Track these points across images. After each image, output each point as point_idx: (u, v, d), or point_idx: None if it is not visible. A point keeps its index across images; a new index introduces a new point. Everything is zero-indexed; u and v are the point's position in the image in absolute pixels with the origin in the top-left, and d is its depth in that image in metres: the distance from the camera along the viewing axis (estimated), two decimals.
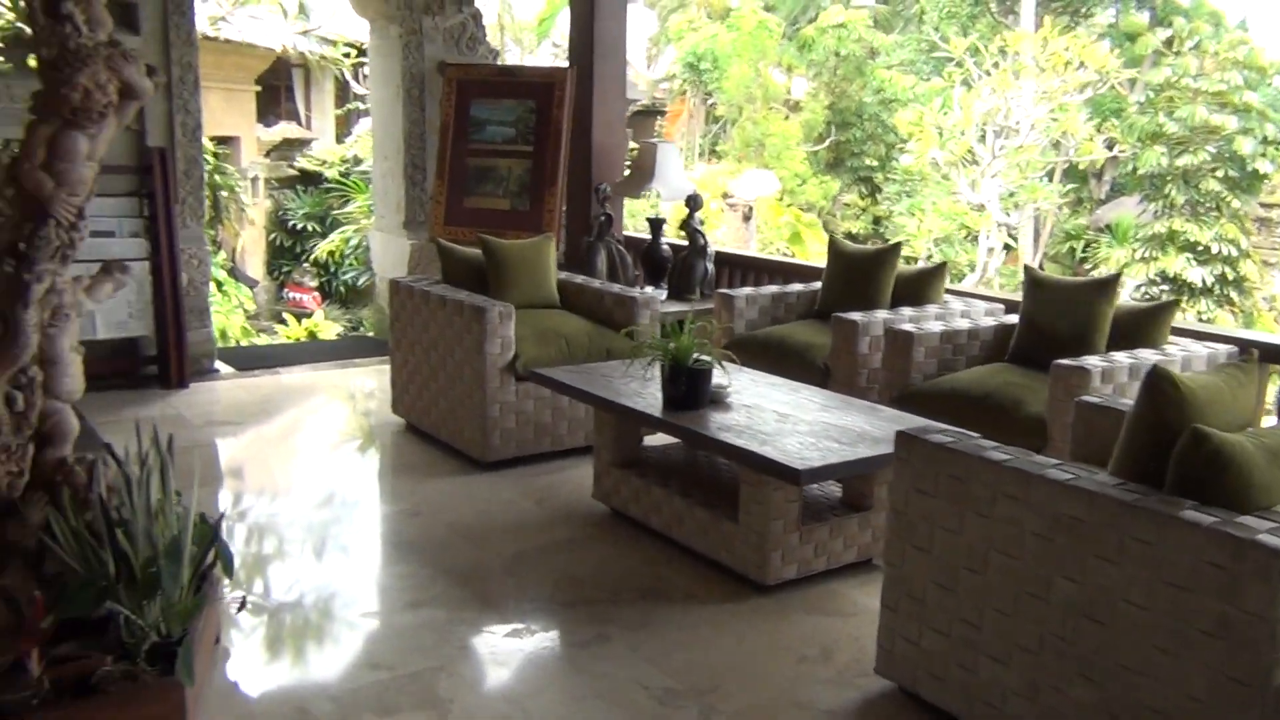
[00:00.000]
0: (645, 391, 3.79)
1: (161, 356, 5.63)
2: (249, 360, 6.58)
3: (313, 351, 7.62)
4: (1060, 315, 4.16)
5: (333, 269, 14.13)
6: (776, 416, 3.58)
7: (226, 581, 2.97)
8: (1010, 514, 2.46)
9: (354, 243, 12.51)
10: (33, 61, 5.29)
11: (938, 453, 2.62)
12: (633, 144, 8.94)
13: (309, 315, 13.06)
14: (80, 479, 2.57)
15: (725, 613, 3.27)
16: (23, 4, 2.32)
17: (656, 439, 4.10)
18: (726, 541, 3.47)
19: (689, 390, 3.62)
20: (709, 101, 18.49)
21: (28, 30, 5.61)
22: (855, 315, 4.51)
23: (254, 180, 14.38)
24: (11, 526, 2.52)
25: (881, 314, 4.61)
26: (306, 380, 6.12)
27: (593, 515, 4.02)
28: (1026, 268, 4.53)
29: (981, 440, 2.67)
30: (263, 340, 11.77)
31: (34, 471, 2.55)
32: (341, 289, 14.25)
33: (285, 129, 15.91)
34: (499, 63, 7.27)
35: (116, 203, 5.42)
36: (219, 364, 6.21)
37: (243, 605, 2.66)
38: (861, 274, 5.00)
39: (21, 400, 2.50)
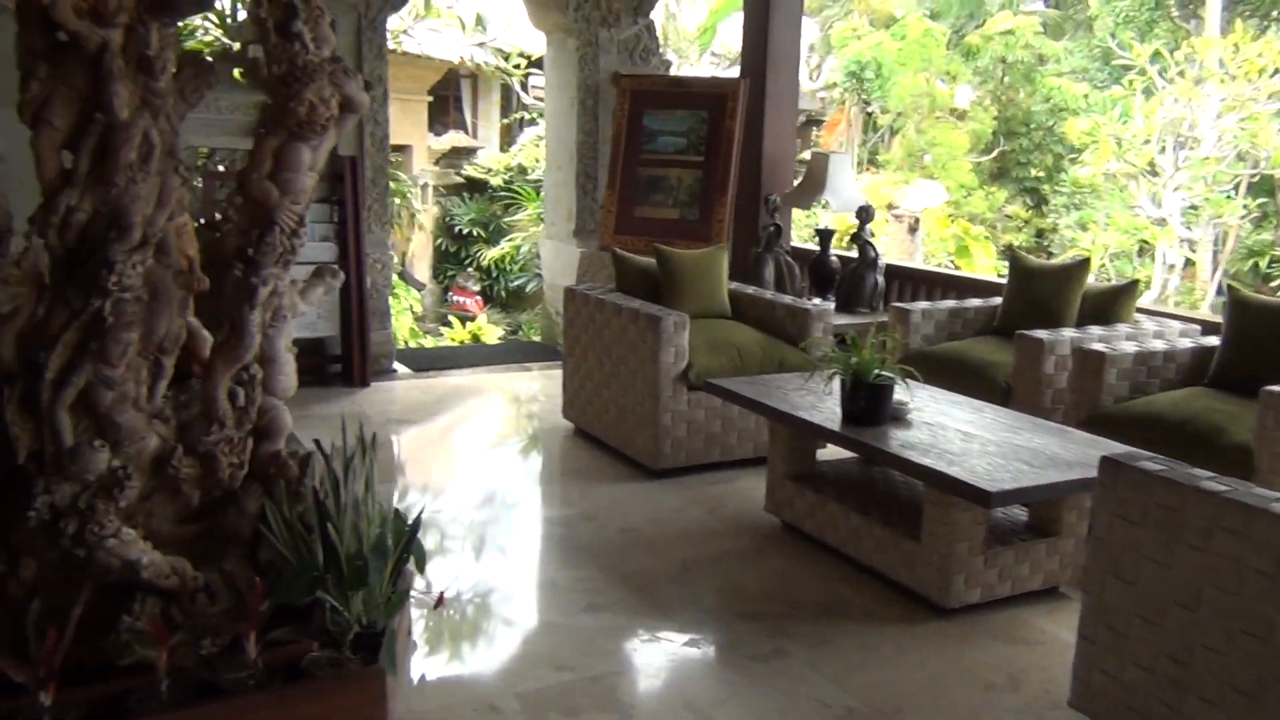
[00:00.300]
0: (822, 405, 3.75)
1: (346, 356, 5.89)
2: (424, 361, 6.82)
3: (482, 354, 7.84)
4: (1269, 338, 3.91)
5: (495, 274, 14.52)
6: (961, 435, 3.49)
7: (419, 577, 3.08)
8: (1228, 548, 2.32)
9: (525, 250, 12.76)
10: (238, 74, 5.65)
11: (1148, 481, 2.50)
12: (802, 154, 8.86)
13: (472, 318, 13.45)
14: (293, 472, 2.71)
15: (906, 634, 3.20)
16: (254, 24, 2.46)
17: (827, 453, 4.06)
18: (906, 561, 3.40)
19: (869, 405, 3.56)
20: (867, 110, 18.20)
21: (234, 47, 5.97)
22: (1041, 333, 4.36)
23: (424, 187, 14.89)
24: (231, 515, 2.67)
25: (1068, 332, 4.44)
26: (477, 382, 6.30)
27: (764, 527, 4.00)
28: (1230, 287, 4.28)
29: (1195, 470, 2.53)
30: (430, 342, 12.18)
31: (251, 464, 2.70)
32: (503, 294, 14.63)
33: (454, 138, 16.43)
34: (671, 74, 7.33)
35: (309, 209, 5.69)
36: (397, 364, 6.45)
37: (440, 601, 2.76)
38: (1046, 290, 4.82)
39: (243, 396, 2.64)
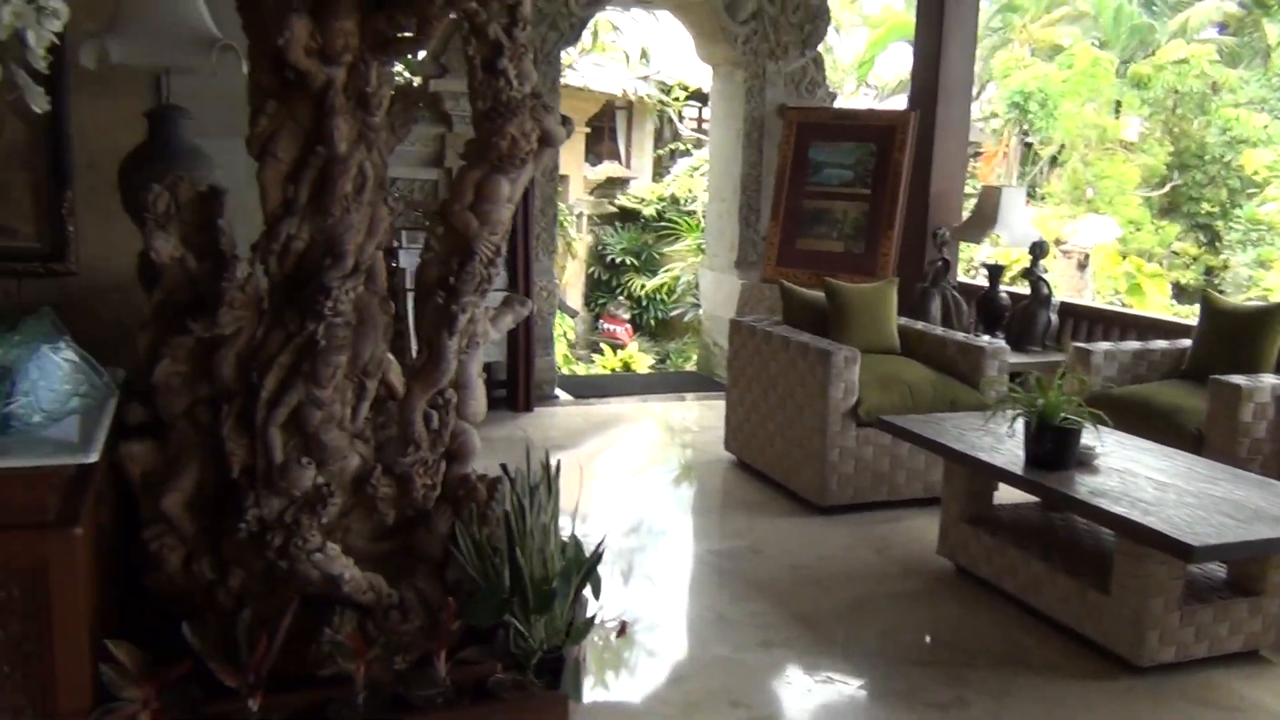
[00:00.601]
0: (1003, 447, 3.63)
1: (511, 381, 6.03)
2: (584, 388, 6.92)
3: (639, 383, 7.91)
4: None
5: (645, 303, 14.66)
6: (1154, 484, 3.32)
7: (595, 604, 3.11)
8: None
9: (684, 280, 12.80)
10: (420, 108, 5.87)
11: None
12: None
13: (622, 347, 13.61)
14: (482, 495, 2.77)
15: (1094, 690, 3.05)
16: (465, 61, 2.56)
17: (1003, 496, 3.92)
18: (1094, 614, 3.24)
19: (1055, 449, 3.43)
20: (1026, 141, 17.68)
21: (414, 81, 6.22)
22: (1238, 379, 4.12)
23: (579, 216, 15.17)
24: (421, 534, 2.75)
25: (1269, 379, 4.18)
26: (635, 410, 6.35)
27: (937, 570, 3.88)
28: None
29: None
30: (582, 369, 12.37)
31: (442, 486, 2.78)
32: (651, 322, 14.75)
33: (609, 168, 16.71)
34: (837, 106, 7.29)
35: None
36: (558, 390, 6.57)
37: (622, 630, 2.78)
38: (1241, 333, 4.56)
39: (437, 419, 2.73)
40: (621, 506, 4.70)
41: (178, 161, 2.98)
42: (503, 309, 2.99)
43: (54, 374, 2.02)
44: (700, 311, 8.00)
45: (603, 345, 13.54)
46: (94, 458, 2.00)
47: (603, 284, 15.83)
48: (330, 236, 2.50)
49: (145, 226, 2.41)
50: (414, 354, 2.83)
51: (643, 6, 7.05)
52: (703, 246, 8.15)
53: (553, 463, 2.90)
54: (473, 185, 2.67)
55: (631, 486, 5.03)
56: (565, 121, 2.77)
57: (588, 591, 2.94)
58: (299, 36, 2.24)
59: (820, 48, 6.81)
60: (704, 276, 7.60)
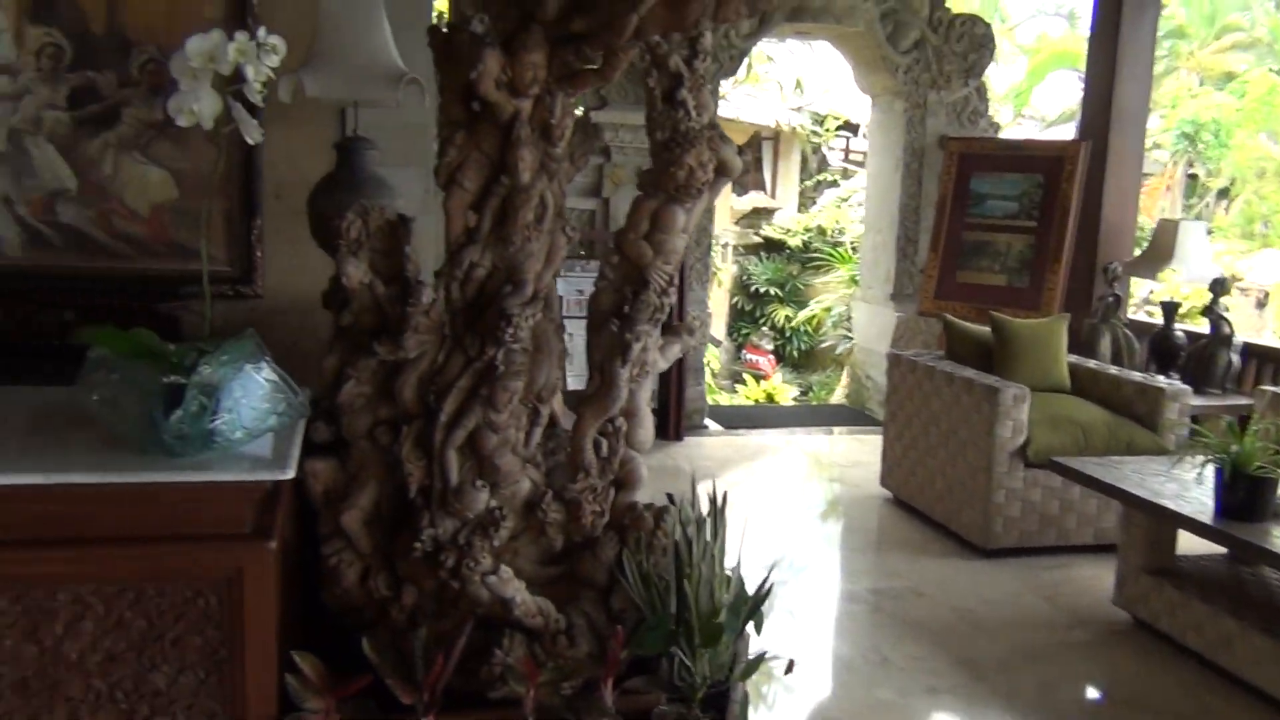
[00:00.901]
0: (1189, 494, 3.43)
1: (663, 410, 6.04)
2: (733, 419, 6.89)
3: (788, 415, 7.83)
4: None
5: (788, 334, 14.53)
6: None
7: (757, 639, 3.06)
8: None
9: (837, 312, 12.61)
10: None
11: None
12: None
13: (765, 378, 13.51)
14: (648, 524, 2.76)
15: None
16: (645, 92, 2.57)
17: (1186, 545, 3.70)
18: None
19: (1249, 499, 3.22)
20: (1190, 172, 16.86)
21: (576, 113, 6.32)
22: None
23: (724, 246, 15.18)
24: (587, 561, 2.76)
25: None
26: (785, 442, 6.28)
27: (1112, 622, 3.69)
28: None
29: None
30: (725, 398, 12.32)
31: (609, 513, 2.78)
32: (794, 354, 14.61)
33: (754, 198, 16.69)
34: (999, 136, 7.10)
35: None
36: (708, 420, 6.55)
37: (791, 667, 2.73)
38: None
39: (607, 447, 2.74)
40: (776, 539, 4.63)
41: (363, 190, 3.10)
42: (671, 338, 2.98)
43: (255, 393, 2.11)
44: (852, 344, 7.88)
45: (745, 375, 13.47)
46: (290, 474, 2.07)
47: (746, 314, 15.77)
48: (511, 264, 2.55)
49: (337, 252, 2.50)
50: (567, 382, 2.86)
51: (800, 37, 7.04)
52: (855, 278, 8.03)
53: (719, 494, 2.88)
54: (648, 215, 2.69)
55: (785, 520, 4.95)
56: (741, 152, 2.76)
57: (749, 627, 2.90)
58: (491, 70, 2.30)
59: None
60: (857, 309, 7.48)
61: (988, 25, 6.63)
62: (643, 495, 2.91)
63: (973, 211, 6.22)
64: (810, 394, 13.39)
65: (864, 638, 3.61)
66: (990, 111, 7.03)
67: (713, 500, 2.84)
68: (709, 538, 2.74)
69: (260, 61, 1.86)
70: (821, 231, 14.53)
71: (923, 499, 4.72)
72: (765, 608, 3.75)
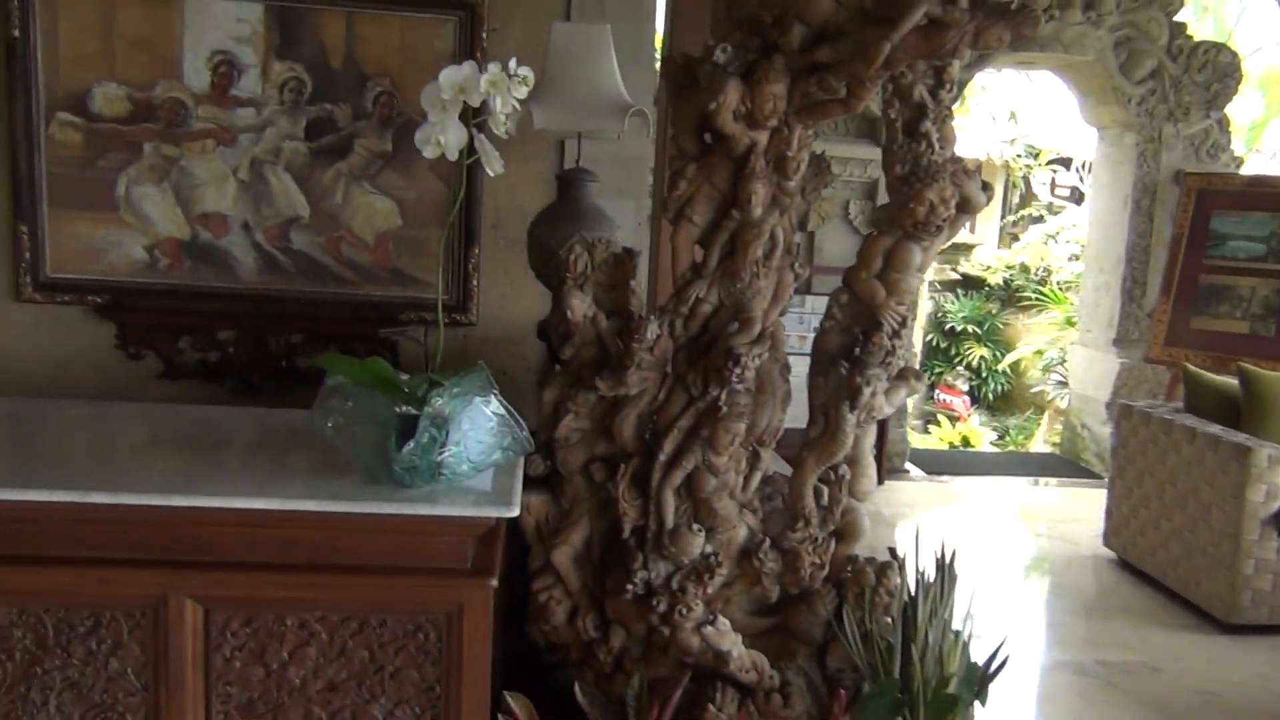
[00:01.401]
0: None
1: None
2: (934, 464, 6.59)
3: (994, 462, 7.45)
4: None
5: (984, 374, 13.92)
6: None
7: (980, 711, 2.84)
8: None
9: (1050, 356, 11.95)
10: None
11: None
12: None
13: (960, 419, 12.96)
14: (870, 579, 2.61)
15: None
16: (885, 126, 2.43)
17: None
18: None
19: None
20: None
21: None
22: None
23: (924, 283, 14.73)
24: (802, 615, 2.62)
25: None
26: (992, 491, 5.94)
27: None
28: None
29: None
30: (917, 440, 11.88)
31: (828, 565, 2.64)
32: (990, 395, 13.97)
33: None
34: (1243, 171, 6.57)
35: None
36: (909, 464, 6.29)
37: None
38: None
39: (828, 495, 2.60)
40: (988, 598, 4.35)
41: (584, 221, 3.08)
42: (897, 382, 2.82)
43: (483, 426, 2.08)
44: (1065, 391, 7.42)
45: (938, 416, 12.96)
46: (514, 512, 2.03)
47: (940, 352, 15.22)
48: (738, 301, 2.46)
49: (562, 285, 2.46)
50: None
51: (1022, 67, 6.74)
52: (1071, 320, 7.58)
53: (946, 550, 2.69)
54: (882, 252, 2.55)
55: (996, 576, 4.66)
56: (985, 187, 2.59)
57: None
58: (731, 101, 2.22)
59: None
60: (1075, 353, 7.05)
61: (1234, 53, 6.15)
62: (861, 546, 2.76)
63: (1212, 253, 5.75)
64: (1007, 438, 12.75)
65: (1100, 717, 3.31)
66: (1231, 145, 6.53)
67: (940, 558, 2.66)
68: (937, 598, 2.56)
69: (509, 93, 1.83)
70: (1025, 269, 13.88)
71: (1154, 563, 4.34)
72: (1021, 677, 3.51)
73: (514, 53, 3.70)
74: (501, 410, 2.10)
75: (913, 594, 2.54)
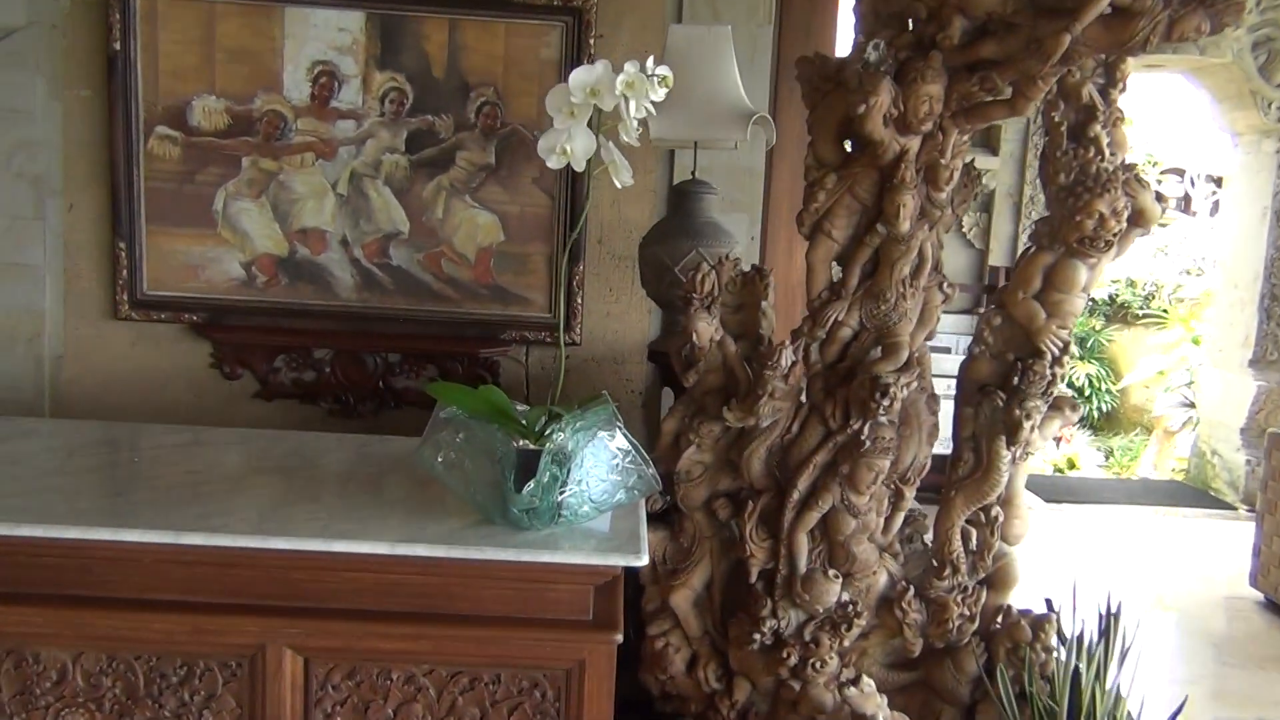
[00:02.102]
0: None
1: None
2: (1051, 491, 6.24)
3: (1115, 490, 7.05)
4: None
5: (1089, 392, 13.34)
6: None
7: None
8: None
9: (1176, 378, 11.34)
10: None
11: None
12: None
13: (1064, 440, 12.43)
14: (1025, 634, 2.34)
15: None
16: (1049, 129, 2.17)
17: None
18: None
19: None
20: None
21: None
22: None
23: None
24: (946, 671, 2.37)
25: None
26: (1117, 521, 5.57)
27: None
28: None
29: None
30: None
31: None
32: (1094, 415, 13.39)
33: None
34: None
35: (954, 320, 5.46)
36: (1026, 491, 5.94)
37: None
38: None
39: (977, 539, 2.35)
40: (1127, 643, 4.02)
41: (701, 237, 2.88)
42: (1050, 414, 2.55)
43: (607, 463, 1.88)
44: (1190, 413, 6.99)
45: None
46: (644, 560, 1.82)
47: None
48: (882, 325, 2.22)
49: (689, 307, 2.25)
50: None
51: (1149, 70, 6.35)
52: (1195, 339, 7.14)
53: (1111, 602, 2.41)
54: (1042, 270, 2.29)
55: (1132, 619, 4.31)
56: (1159, 199, 2.31)
57: None
58: (882, 103, 1.99)
59: None
60: (1204, 374, 6.63)
61: None
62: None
63: None
64: (1111, 459, 12.18)
65: None
66: None
67: (1106, 612, 2.39)
68: (1102, 659, 2.28)
69: (646, 96, 1.63)
70: (1132, 284, 13.29)
71: None
72: None
73: (623, 59, 3.53)
74: (627, 446, 1.90)
75: (1072, 648, 2.27)
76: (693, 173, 2.97)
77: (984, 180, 5.56)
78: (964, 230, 5.44)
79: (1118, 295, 13.27)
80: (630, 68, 1.60)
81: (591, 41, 3.37)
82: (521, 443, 1.84)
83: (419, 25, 3.36)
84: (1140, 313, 12.72)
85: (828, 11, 3.81)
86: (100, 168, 3.44)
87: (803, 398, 2.28)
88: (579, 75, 1.61)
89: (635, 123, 1.71)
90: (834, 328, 2.24)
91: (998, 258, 5.46)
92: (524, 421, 1.90)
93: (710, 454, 2.36)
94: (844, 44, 4.04)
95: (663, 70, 1.65)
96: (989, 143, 5.41)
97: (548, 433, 1.84)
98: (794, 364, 2.20)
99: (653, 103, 1.66)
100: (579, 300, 3.52)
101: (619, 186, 1.78)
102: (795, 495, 2.24)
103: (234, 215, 3.44)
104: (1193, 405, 7.53)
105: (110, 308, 3.50)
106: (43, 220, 3.46)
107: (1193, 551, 5.17)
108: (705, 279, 2.25)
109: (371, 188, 3.44)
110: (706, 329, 2.26)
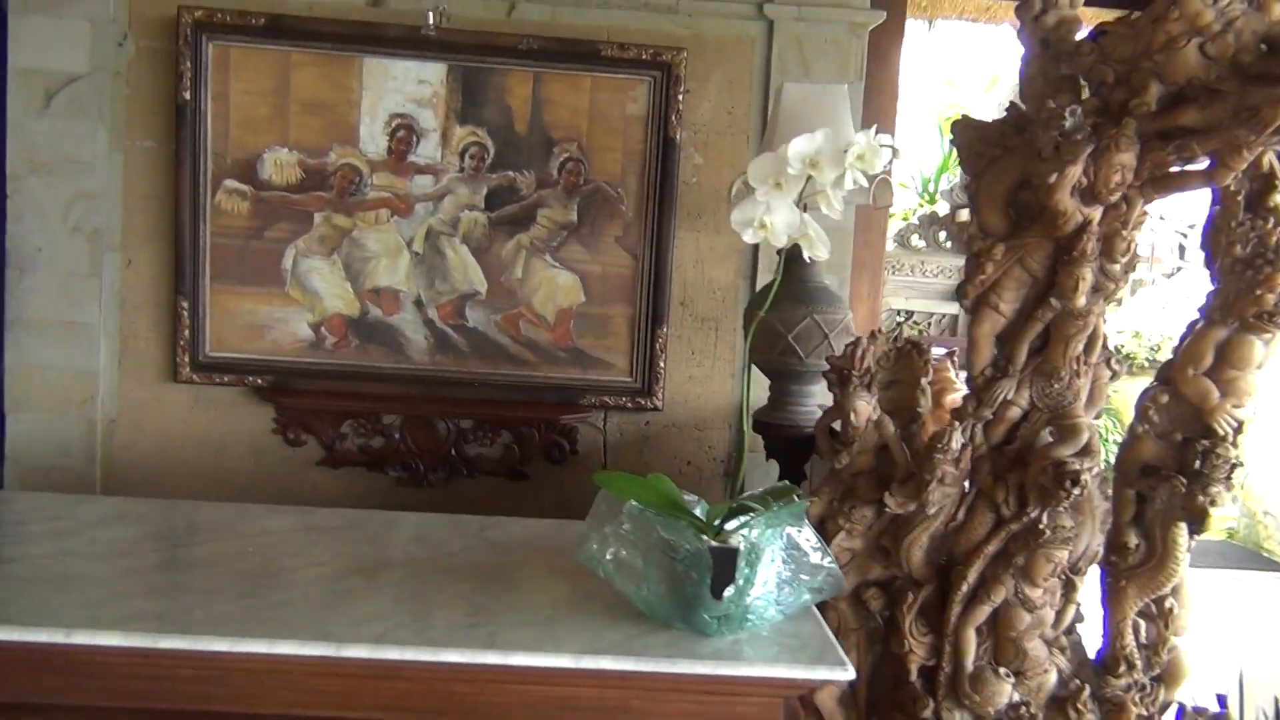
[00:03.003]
0: None
1: None
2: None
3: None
4: None
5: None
6: None
7: None
8: None
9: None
10: (942, 239, 5.50)
11: None
12: None
13: None
14: None
15: None
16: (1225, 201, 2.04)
17: None
18: None
19: None
20: None
21: (936, 210, 5.87)
22: None
23: None
24: None
25: None
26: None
27: None
28: None
29: None
30: None
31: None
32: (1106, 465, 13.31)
33: None
34: None
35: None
36: None
37: None
38: None
39: (1150, 632, 2.20)
40: None
41: (816, 303, 2.75)
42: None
43: (794, 561, 1.72)
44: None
45: None
46: (850, 673, 1.66)
47: None
48: (1055, 404, 2.09)
49: (847, 384, 2.11)
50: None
51: None
52: None
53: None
54: (1214, 346, 2.16)
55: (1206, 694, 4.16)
56: None
57: None
58: (1074, 173, 1.87)
59: None
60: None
61: None
62: None
63: None
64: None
65: None
66: None
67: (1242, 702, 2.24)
68: None
69: (874, 167, 1.50)
70: (1137, 335, 13.30)
71: None
72: None
73: (710, 116, 3.42)
74: (817, 544, 1.74)
75: None
76: None
77: None
78: None
79: (1122, 346, 13.28)
80: (862, 138, 1.47)
81: (680, 97, 3.26)
82: (707, 539, 1.68)
83: (502, 78, 3.24)
84: (1146, 363, 12.71)
85: (894, 68, 3.73)
86: (163, 222, 3.29)
87: (967, 481, 2.13)
88: (800, 145, 1.48)
89: (838, 195, 1.58)
90: (1002, 407, 2.10)
91: None
92: (701, 515, 1.74)
93: (861, 540, 2.20)
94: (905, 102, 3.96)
95: (885, 137, 1.52)
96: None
97: (734, 528, 1.69)
98: (965, 447, 2.05)
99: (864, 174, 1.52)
100: (661, 364, 3.37)
101: (815, 260, 1.64)
102: (964, 588, 2.09)
103: (304, 273, 3.28)
104: None
105: (169, 369, 3.32)
106: (99, 277, 3.29)
107: (1254, 617, 5.03)
108: (865, 354, 2.11)
109: (448, 246, 3.30)
110: (865, 408, 2.12)
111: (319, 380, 3.32)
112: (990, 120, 2.11)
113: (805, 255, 1.66)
